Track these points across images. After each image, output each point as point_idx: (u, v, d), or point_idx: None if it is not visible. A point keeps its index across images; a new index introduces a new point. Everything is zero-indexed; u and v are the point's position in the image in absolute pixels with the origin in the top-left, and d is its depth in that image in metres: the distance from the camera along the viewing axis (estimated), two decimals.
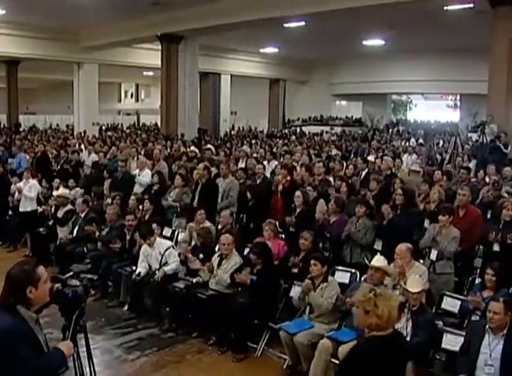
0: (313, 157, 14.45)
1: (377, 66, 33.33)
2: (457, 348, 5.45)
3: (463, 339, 5.45)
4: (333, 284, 6.53)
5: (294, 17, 20.39)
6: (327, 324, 6.35)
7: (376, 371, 3.46)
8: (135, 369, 6.48)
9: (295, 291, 6.80)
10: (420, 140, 27.35)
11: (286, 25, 21.93)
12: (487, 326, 5.15)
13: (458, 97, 39.66)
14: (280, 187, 9.80)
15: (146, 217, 9.46)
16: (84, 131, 25.41)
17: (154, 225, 8.42)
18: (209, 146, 18.22)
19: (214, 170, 11.01)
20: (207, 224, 8.68)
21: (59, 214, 10.46)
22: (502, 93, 16.87)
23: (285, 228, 8.69)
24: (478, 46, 19.24)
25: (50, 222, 10.60)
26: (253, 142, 24.55)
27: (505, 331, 5.08)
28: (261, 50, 31.72)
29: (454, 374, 5.20)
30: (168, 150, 16.87)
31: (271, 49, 31.26)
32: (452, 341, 5.61)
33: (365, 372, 3.49)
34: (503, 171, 11.61)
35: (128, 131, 34.79)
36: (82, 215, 10.06)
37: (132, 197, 10.01)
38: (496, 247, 7.30)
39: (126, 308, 8.28)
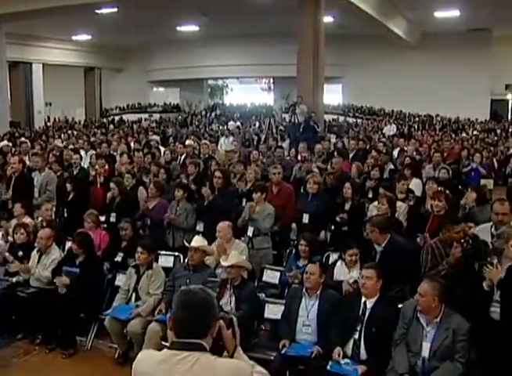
0: (132, 144, 14.35)
1: (193, 52, 33.70)
2: (279, 317, 5.81)
3: (283, 307, 5.82)
4: (158, 272, 6.58)
5: (105, 3, 20.03)
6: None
7: None
8: None
9: (120, 280, 6.80)
10: (238, 123, 28.15)
11: (97, 11, 21.44)
12: (303, 290, 5.58)
13: (272, 80, 41.10)
14: (101, 178, 9.66)
15: None
16: None
17: None
18: (23, 139, 17.43)
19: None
20: (28, 219, 8.34)
21: None
22: (309, 75, 17.91)
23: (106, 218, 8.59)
24: (288, 31, 20.12)
25: None
26: (69, 132, 23.81)
27: (318, 293, 5.55)
28: (74, 37, 30.70)
29: (278, 341, 5.52)
30: None
31: (84, 36, 30.40)
32: (274, 311, 5.96)
33: None
34: (315, 148, 12.33)
35: None
36: None
37: None
38: (306, 219, 7.80)
39: None
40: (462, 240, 5.73)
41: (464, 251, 5.62)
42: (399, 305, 5.24)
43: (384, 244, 6.14)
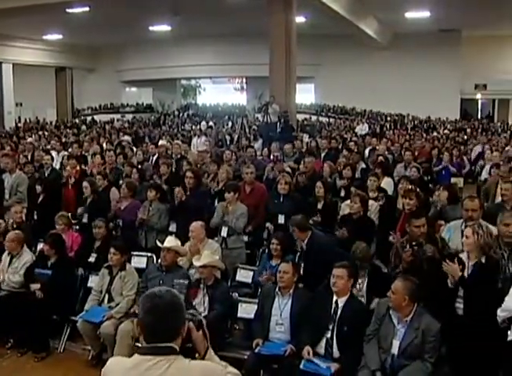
0: (104, 145, 14.26)
1: (166, 52, 33.61)
2: (253, 316, 5.83)
3: (257, 306, 5.84)
4: (131, 273, 6.54)
5: (77, 2, 19.82)
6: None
7: None
8: None
9: (93, 281, 6.75)
10: (210, 123, 28.12)
11: (69, 10, 21.21)
12: (276, 289, 5.61)
13: (244, 80, 41.12)
14: (72, 179, 9.57)
15: None
16: None
17: None
18: None
19: None
20: None
21: None
22: (281, 75, 17.98)
23: (78, 219, 8.53)
24: (261, 30, 20.15)
25: None
26: (40, 133, 23.58)
27: (291, 291, 5.58)
28: (45, 37, 30.27)
29: (251, 340, 5.53)
30: None
31: (55, 36, 29.98)
32: (248, 310, 5.98)
33: None
34: (284, 148, 12.30)
35: None
36: None
37: None
38: (281, 220, 7.81)
39: None
40: (413, 243, 5.78)
41: (415, 254, 5.65)
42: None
43: (305, 241, 6.47)
